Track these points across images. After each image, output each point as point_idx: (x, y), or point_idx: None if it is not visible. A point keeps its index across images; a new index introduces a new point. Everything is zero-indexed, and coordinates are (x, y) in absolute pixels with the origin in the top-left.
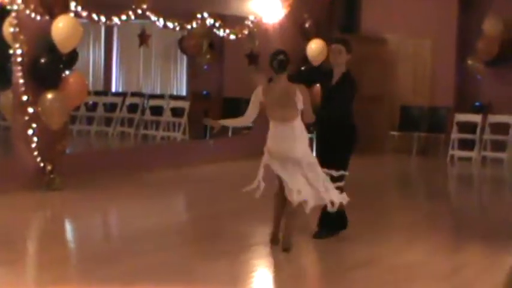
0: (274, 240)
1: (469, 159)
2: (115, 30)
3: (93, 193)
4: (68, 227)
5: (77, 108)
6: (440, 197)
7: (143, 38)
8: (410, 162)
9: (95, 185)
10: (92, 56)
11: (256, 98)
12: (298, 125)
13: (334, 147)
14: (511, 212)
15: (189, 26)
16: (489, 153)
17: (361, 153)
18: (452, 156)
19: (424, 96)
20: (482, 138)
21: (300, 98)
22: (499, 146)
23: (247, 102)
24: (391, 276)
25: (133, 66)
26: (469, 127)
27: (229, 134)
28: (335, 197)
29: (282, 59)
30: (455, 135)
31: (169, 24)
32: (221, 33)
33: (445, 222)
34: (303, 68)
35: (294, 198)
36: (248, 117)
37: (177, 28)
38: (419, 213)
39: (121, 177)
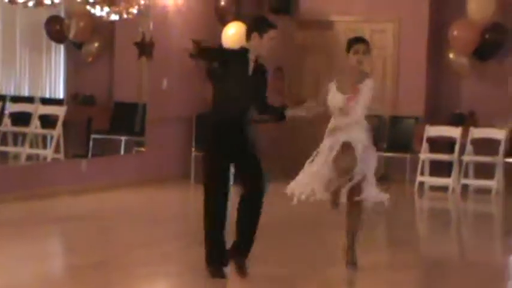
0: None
1: (444, 188)
2: None
3: None
4: None
5: None
6: (405, 242)
7: None
8: None
9: None
10: None
11: None
12: None
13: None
14: (501, 260)
15: (48, 1)
16: (472, 181)
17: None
18: (421, 184)
19: (384, 101)
20: (463, 160)
21: None
22: (485, 171)
23: (144, 108)
24: None
25: None
26: (445, 145)
27: (122, 151)
28: None
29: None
30: (425, 155)
31: None
32: (98, 12)
33: (412, 276)
34: None
35: None
36: None
37: (30, 3)
38: (377, 262)
39: None
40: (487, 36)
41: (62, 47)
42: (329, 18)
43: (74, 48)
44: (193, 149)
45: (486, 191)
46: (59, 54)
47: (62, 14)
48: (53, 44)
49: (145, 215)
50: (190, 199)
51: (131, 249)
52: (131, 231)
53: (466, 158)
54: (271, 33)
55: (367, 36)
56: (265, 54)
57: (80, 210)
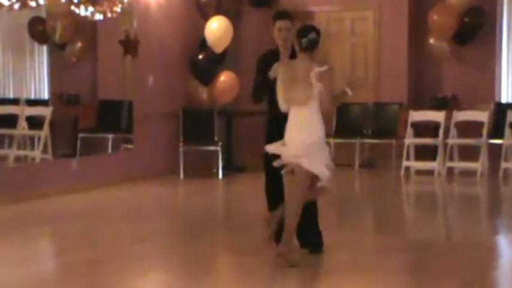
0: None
1: (430, 172)
2: None
3: None
4: None
5: None
6: (392, 227)
7: None
8: (352, 179)
9: None
10: None
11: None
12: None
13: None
14: (487, 244)
15: (33, 3)
16: (457, 164)
17: None
18: (407, 169)
19: (368, 89)
20: (447, 143)
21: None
22: (469, 153)
23: (129, 105)
24: None
25: None
26: (429, 129)
27: (109, 149)
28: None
29: (314, 38)
30: (410, 140)
31: None
32: (82, 11)
33: (400, 262)
34: None
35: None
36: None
37: (16, 6)
38: (364, 249)
39: None
40: (466, 19)
41: (44, 47)
42: (309, 9)
43: (57, 49)
44: (181, 144)
45: (471, 173)
46: (42, 55)
47: (44, 15)
48: (36, 45)
49: (136, 212)
50: (180, 194)
51: (124, 246)
52: (122, 229)
53: (451, 141)
54: (278, 23)
55: (347, 25)
56: (278, 43)
57: (70, 209)
